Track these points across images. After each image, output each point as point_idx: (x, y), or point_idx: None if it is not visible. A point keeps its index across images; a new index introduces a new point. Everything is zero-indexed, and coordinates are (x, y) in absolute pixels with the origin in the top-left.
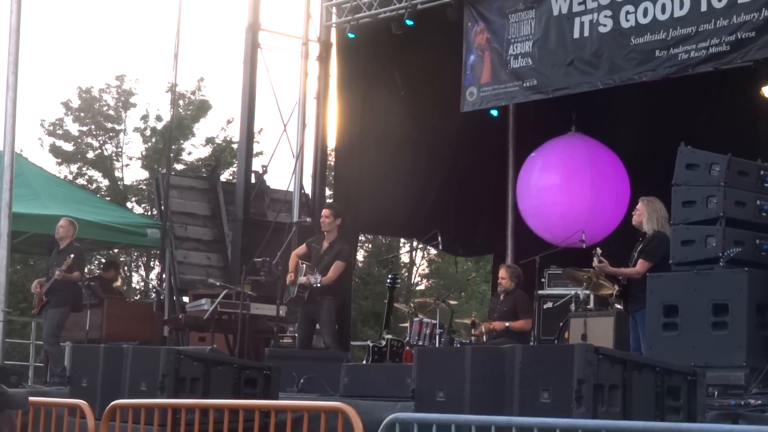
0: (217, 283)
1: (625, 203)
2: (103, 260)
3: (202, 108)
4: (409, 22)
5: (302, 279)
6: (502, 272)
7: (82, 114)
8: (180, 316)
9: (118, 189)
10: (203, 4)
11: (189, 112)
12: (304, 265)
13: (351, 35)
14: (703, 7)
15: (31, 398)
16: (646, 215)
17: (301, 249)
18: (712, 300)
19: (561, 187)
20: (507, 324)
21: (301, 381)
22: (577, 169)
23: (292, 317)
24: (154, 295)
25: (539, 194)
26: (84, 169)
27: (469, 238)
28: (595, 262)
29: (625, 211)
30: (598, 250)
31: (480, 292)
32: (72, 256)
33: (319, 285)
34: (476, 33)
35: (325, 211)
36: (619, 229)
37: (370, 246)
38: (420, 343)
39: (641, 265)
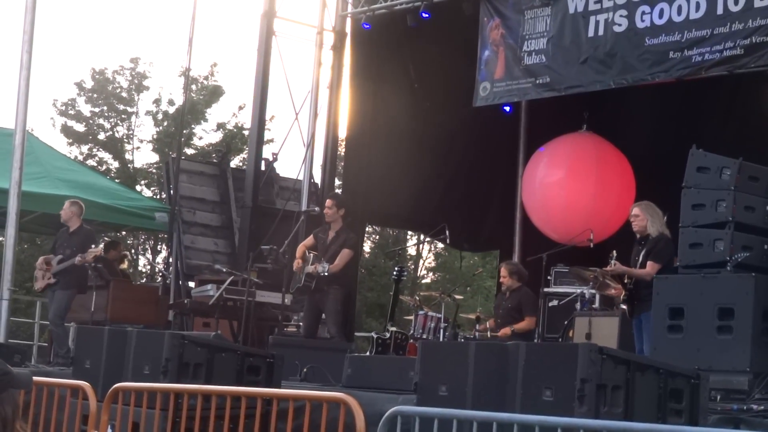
0: (224, 270)
1: (629, 204)
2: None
3: (214, 93)
4: (425, 15)
5: (309, 268)
6: (502, 270)
7: (95, 95)
8: (185, 301)
9: (128, 171)
10: None
11: (202, 96)
12: (311, 255)
13: (366, 26)
14: (719, 10)
15: (34, 378)
16: (649, 219)
17: (309, 240)
18: (717, 304)
19: (565, 184)
20: (511, 329)
21: (304, 370)
22: (582, 167)
23: (297, 306)
24: (160, 278)
25: (544, 190)
26: (95, 150)
27: (475, 234)
28: (610, 266)
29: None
30: (614, 253)
31: (486, 288)
32: (101, 247)
33: (326, 274)
34: (491, 28)
35: (328, 202)
36: (623, 229)
37: (377, 237)
38: (424, 336)
39: (651, 267)
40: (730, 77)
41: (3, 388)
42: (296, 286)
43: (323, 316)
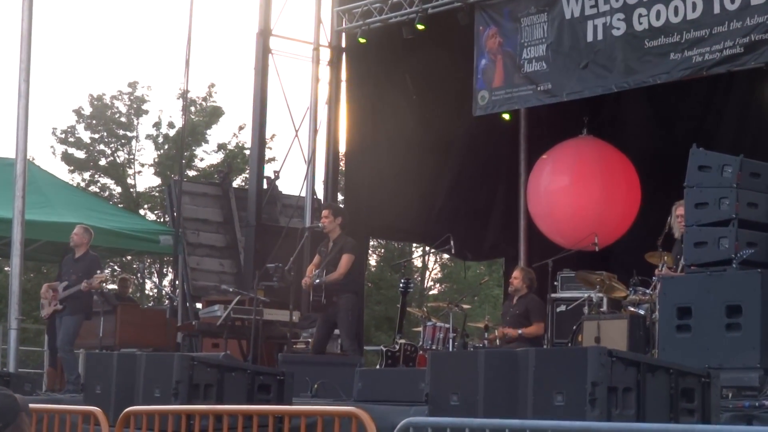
0: (230, 289)
1: (635, 206)
2: (116, 267)
3: (214, 114)
4: (420, 26)
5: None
6: (516, 273)
7: (94, 121)
8: (193, 323)
9: (131, 196)
10: (214, 11)
11: (201, 118)
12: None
13: (362, 40)
14: (716, 9)
15: (45, 405)
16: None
17: (316, 259)
18: (725, 301)
19: (571, 190)
20: (520, 331)
21: (315, 386)
22: (587, 172)
23: (306, 322)
24: (167, 301)
25: (549, 197)
26: (96, 176)
27: (480, 243)
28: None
29: (636, 215)
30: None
31: (493, 296)
32: (106, 272)
33: (318, 281)
34: (488, 37)
35: (324, 212)
36: (630, 232)
37: (382, 251)
38: (433, 347)
39: None
40: (727, 75)
41: (13, 419)
42: (310, 304)
43: (336, 330)
